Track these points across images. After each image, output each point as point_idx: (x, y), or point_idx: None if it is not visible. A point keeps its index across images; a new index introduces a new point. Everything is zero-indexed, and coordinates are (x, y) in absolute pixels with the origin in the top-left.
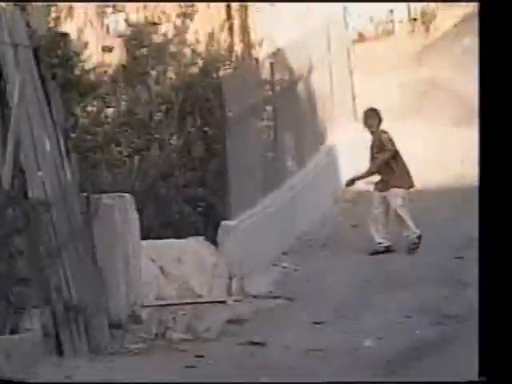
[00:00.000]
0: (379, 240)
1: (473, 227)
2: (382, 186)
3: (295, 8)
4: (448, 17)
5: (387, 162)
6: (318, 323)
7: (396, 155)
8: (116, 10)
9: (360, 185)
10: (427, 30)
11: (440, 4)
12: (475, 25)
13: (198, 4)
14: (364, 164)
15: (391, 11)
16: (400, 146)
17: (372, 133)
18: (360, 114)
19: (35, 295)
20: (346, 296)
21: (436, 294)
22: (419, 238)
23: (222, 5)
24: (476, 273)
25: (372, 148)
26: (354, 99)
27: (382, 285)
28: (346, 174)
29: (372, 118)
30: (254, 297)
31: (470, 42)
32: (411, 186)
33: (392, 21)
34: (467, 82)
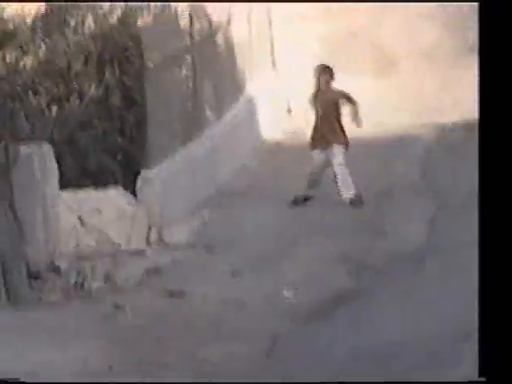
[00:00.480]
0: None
1: (390, 178)
2: (323, 142)
3: None
4: None
5: (331, 118)
6: (237, 273)
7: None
8: None
9: (278, 136)
10: None
11: None
12: None
13: None
14: (282, 113)
15: None
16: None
17: (321, 89)
18: (279, 64)
19: None
20: (265, 246)
21: (354, 243)
22: (359, 195)
23: None
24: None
25: (318, 102)
26: (272, 47)
27: (302, 234)
28: (264, 124)
29: (326, 74)
30: (172, 246)
31: None
32: (347, 143)
33: None
34: (383, 31)
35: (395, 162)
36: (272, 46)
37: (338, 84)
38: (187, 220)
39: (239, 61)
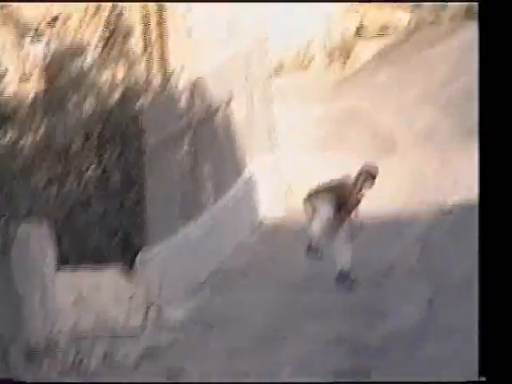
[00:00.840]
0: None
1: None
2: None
3: (216, 36)
4: (367, 49)
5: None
6: (236, 352)
7: None
8: (36, 37)
9: (278, 214)
10: (345, 62)
11: (359, 36)
12: (394, 56)
13: (116, 33)
14: (278, 193)
15: (311, 41)
16: (320, 178)
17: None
18: (278, 144)
19: None
20: (264, 325)
21: (353, 324)
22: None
23: (140, 34)
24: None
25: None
26: (271, 129)
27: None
28: (263, 204)
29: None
30: (171, 325)
31: (388, 74)
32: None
33: (310, 51)
34: (383, 114)
35: (393, 241)
36: (272, 125)
37: (335, 164)
38: (186, 298)
39: (239, 140)
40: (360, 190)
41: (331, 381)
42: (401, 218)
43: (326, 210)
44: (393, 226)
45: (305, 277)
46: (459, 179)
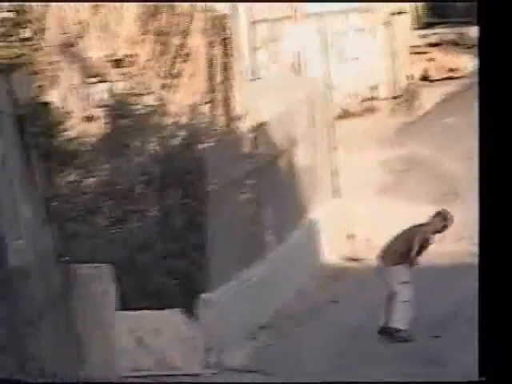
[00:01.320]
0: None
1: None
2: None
3: (279, 82)
4: (430, 96)
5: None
6: None
7: None
8: (100, 79)
9: (338, 260)
10: (410, 107)
11: (424, 83)
12: (457, 105)
13: (182, 75)
14: (340, 239)
15: (374, 88)
16: (380, 223)
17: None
18: (341, 190)
19: (12, 363)
20: (323, 372)
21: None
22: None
23: (205, 77)
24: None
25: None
26: (335, 175)
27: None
28: (324, 248)
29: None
30: (230, 370)
31: (451, 121)
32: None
33: (375, 98)
34: (446, 161)
35: (452, 290)
36: (335, 171)
37: (398, 211)
38: (245, 344)
39: (302, 185)
40: (435, 232)
41: None
42: (460, 267)
43: (406, 292)
44: (451, 275)
45: (360, 325)
46: None
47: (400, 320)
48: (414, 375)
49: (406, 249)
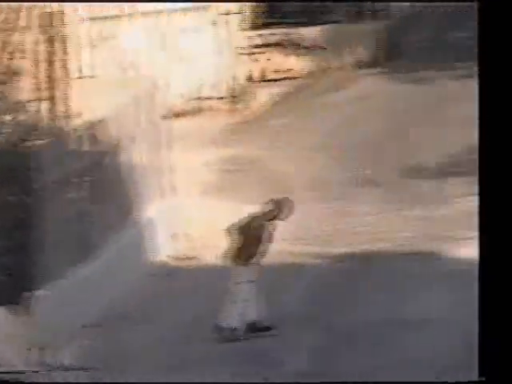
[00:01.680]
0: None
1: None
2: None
3: (114, 81)
4: (260, 96)
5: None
6: None
7: None
8: None
9: (172, 258)
10: (239, 108)
11: (255, 83)
12: (288, 106)
13: (18, 72)
14: (171, 238)
15: (203, 88)
16: (209, 222)
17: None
18: (173, 188)
19: None
20: (156, 368)
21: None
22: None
23: (40, 74)
24: None
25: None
26: (168, 173)
27: None
28: (158, 246)
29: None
30: (53, 368)
31: (281, 122)
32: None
33: (205, 97)
34: (280, 161)
35: (285, 291)
36: (167, 170)
37: (226, 211)
38: (72, 342)
39: (135, 183)
40: (269, 220)
41: None
42: (293, 266)
43: (244, 291)
44: (283, 276)
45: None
46: (353, 229)
47: (233, 319)
48: (246, 374)
49: (246, 244)
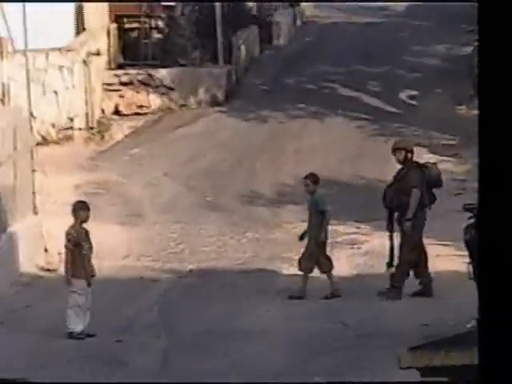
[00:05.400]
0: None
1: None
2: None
3: None
4: (120, 128)
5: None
6: None
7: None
8: None
9: (34, 270)
10: (102, 138)
11: (115, 116)
12: (142, 137)
13: None
14: (37, 251)
15: (71, 119)
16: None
17: None
18: (39, 208)
19: None
20: (16, 369)
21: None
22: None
23: None
24: None
25: None
26: (34, 194)
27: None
28: (22, 259)
29: None
30: None
31: (136, 151)
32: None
33: (72, 128)
34: (131, 186)
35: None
36: (33, 192)
37: (89, 230)
38: None
39: (5, 202)
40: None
41: None
42: (141, 282)
43: (77, 299)
44: (137, 287)
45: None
46: (196, 248)
47: (72, 323)
48: (96, 373)
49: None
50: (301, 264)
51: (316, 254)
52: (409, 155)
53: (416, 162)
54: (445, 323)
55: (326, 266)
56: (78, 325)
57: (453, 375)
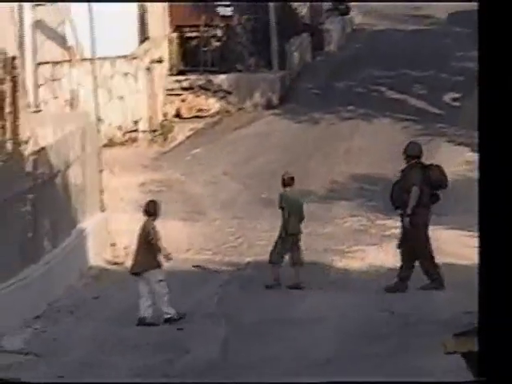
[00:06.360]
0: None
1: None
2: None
3: (58, 115)
4: (182, 131)
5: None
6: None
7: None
8: None
9: (102, 264)
10: (165, 140)
11: (177, 119)
12: (203, 139)
13: None
14: (104, 246)
15: (136, 123)
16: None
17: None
18: (107, 205)
19: None
20: (86, 355)
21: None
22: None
23: None
24: None
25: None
26: (101, 193)
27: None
28: (91, 253)
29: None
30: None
31: (197, 151)
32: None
33: (136, 130)
34: (193, 185)
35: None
36: (101, 190)
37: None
38: (22, 331)
39: (75, 200)
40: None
41: None
42: (204, 273)
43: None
44: (195, 280)
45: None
46: (253, 242)
47: (166, 309)
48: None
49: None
50: (272, 256)
51: (288, 247)
52: (411, 158)
53: (420, 163)
54: None
55: (297, 258)
56: (170, 309)
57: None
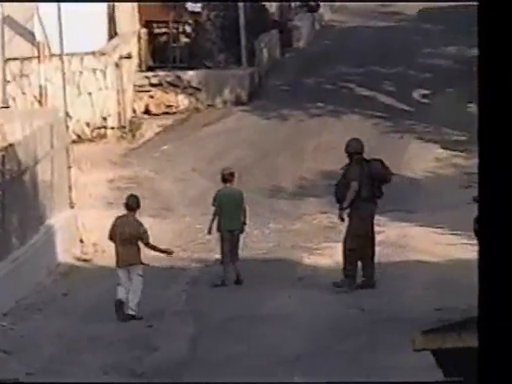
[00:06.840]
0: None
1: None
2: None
3: (26, 111)
4: (151, 127)
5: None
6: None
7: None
8: None
9: (70, 260)
10: (133, 136)
11: (146, 116)
12: (171, 135)
13: None
14: (73, 243)
15: (104, 119)
16: (105, 231)
17: None
18: (75, 201)
19: None
20: (55, 352)
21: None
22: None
23: None
24: None
25: None
26: (70, 189)
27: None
28: (59, 250)
29: None
30: None
31: (166, 148)
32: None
33: (105, 127)
34: (162, 181)
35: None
36: (70, 186)
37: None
38: None
39: (43, 197)
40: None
41: None
42: (171, 270)
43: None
44: (162, 278)
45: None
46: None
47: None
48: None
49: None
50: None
51: (229, 244)
52: (352, 155)
53: (362, 158)
54: (456, 308)
55: (234, 255)
56: (136, 308)
57: (465, 357)
